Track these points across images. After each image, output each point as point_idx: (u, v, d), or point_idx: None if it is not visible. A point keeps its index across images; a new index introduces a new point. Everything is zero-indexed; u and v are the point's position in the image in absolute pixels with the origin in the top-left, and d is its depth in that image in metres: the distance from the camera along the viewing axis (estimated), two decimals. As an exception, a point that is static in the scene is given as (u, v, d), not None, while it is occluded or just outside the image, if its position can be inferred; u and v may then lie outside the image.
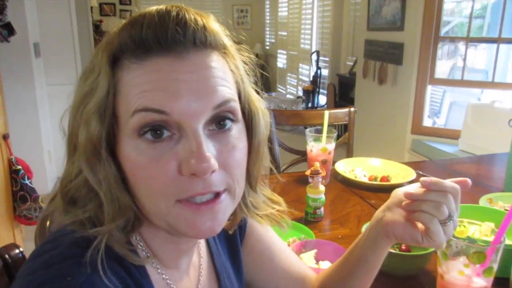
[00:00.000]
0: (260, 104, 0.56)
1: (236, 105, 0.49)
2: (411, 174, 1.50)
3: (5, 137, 2.24)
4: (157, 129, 0.45)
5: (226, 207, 0.49)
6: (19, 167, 2.30)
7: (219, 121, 0.47)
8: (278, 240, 0.76)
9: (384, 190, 1.45)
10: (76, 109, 0.48)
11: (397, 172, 1.54)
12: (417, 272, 0.97)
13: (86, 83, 0.48)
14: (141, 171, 0.46)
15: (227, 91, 0.47)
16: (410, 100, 3.34)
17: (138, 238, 0.53)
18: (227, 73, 0.49)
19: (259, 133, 0.55)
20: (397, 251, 0.98)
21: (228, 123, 0.48)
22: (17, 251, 0.78)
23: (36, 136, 3.26)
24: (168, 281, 0.56)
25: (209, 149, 0.45)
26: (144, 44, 0.45)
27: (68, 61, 3.81)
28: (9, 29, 3.07)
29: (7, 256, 0.77)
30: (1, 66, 2.35)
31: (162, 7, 0.46)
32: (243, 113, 0.52)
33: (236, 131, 0.49)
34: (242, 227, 0.71)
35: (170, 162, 0.45)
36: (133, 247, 0.51)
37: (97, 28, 7.07)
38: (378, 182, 1.48)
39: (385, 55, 3.59)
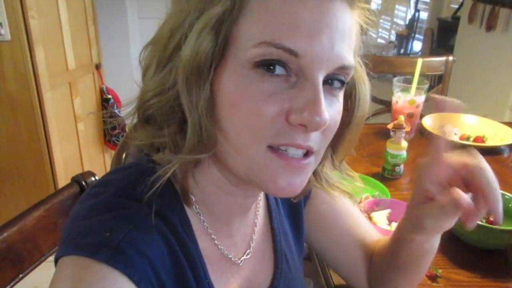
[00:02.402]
0: (364, 75, 0.52)
1: (351, 73, 0.45)
2: (510, 135, 1.33)
3: (98, 67, 2.37)
4: (277, 66, 0.41)
5: (310, 169, 0.46)
6: (110, 96, 2.44)
7: (332, 80, 0.44)
8: (346, 204, 0.70)
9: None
10: (186, 14, 0.42)
11: (494, 132, 1.37)
12: (504, 247, 0.87)
13: None
14: (246, 103, 0.41)
15: (351, 56, 0.44)
16: (522, 50, 2.93)
17: (194, 181, 0.50)
18: (354, 37, 0.45)
19: (363, 106, 0.52)
20: (483, 223, 0.88)
21: (338, 85, 0.45)
22: (92, 178, 0.82)
23: (127, 67, 3.41)
24: (216, 241, 0.53)
25: (325, 104, 0.41)
26: None
27: (159, -5, 3.86)
28: (105, -40, 3.15)
29: (83, 182, 0.81)
30: (96, -1, 2.43)
31: None
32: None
33: (341, 96, 0.47)
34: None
35: (281, 103, 0.41)
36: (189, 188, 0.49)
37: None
38: (470, 143, 1.33)
39: (500, -3, 3.14)
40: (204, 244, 0.51)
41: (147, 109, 0.45)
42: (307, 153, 0.44)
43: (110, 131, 2.52)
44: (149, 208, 0.45)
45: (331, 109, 0.44)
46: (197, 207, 0.51)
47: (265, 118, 0.41)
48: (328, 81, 0.44)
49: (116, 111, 2.43)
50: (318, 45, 0.40)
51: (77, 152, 2.24)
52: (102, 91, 2.43)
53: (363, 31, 0.49)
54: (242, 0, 0.41)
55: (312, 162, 0.45)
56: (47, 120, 1.88)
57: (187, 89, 0.42)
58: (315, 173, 0.55)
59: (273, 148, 0.43)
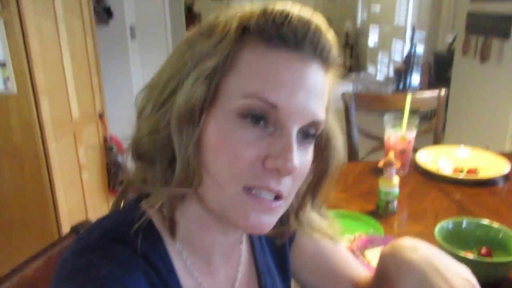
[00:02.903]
0: (337, 129, 0.58)
1: (321, 127, 0.51)
2: (505, 166, 1.34)
3: (101, 116, 2.44)
4: (258, 117, 0.46)
5: (280, 212, 0.51)
6: (113, 144, 2.50)
7: (304, 133, 0.49)
8: (331, 243, 0.72)
9: (470, 184, 1.31)
10: (182, 64, 0.48)
11: (488, 164, 1.39)
12: (499, 280, 0.87)
13: (204, 43, 0.48)
14: (228, 147, 0.46)
15: (323, 112, 0.50)
16: (517, 79, 2.97)
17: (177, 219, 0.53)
18: (326, 96, 0.51)
19: (338, 156, 0.57)
20: (476, 256, 0.88)
21: (309, 138, 0.50)
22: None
23: (130, 114, 3.49)
24: (198, 280, 0.55)
25: (296, 153, 0.47)
26: (283, 36, 0.46)
27: (161, 43, 4.01)
28: (108, 13, 3.31)
29: (81, 231, 0.83)
30: (100, 48, 2.53)
31: (305, 11, 0.48)
32: (320, 134, 0.54)
33: (311, 149, 0.52)
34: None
35: (259, 150, 0.46)
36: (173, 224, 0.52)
37: (189, 11, 7.32)
38: (463, 176, 1.35)
39: (490, 29, 3.22)
40: (187, 283, 0.54)
41: (141, 147, 0.51)
42: (277, 197, 0.49)
43: (114, 179, 2.56)
44: (132, 249, 0.49)
45: (302, 158, 0.49)
46: (180, 245, 0.54)
47: (244, 162, 0.46)
48: (301, 134, 0.49)
49: (120, 159, 2.48)
50: (295, 100, 0.46)
51: (81, 201, 2.27)
52: (106, 140, 2.49)
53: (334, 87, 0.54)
54: (232, 57, 0.47)
55: (281, 205, 0.50)
56: (52, 170, 1.93)
57: (178, 130, 0.47)
58: (297, 218, 0.60)
59: (248, 189, 0.47)
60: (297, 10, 0.47)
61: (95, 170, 2.41)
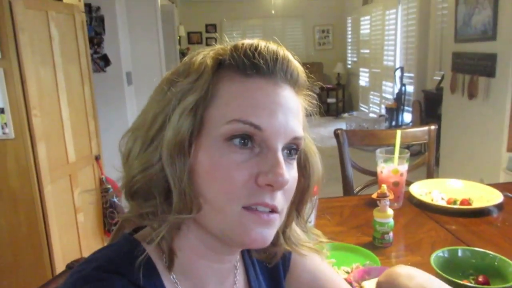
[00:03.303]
0: (313, 147, 0.62)
1: (302, 143, 0.55)
2: (497, 196, 1.36)
3: (97, 158, 2.46)
4: (244, 139, 0.50)
5: (276, 224, 0.53)
6: (109, 186, 2.50)
7: (286, 150, 0.53)
8: (326, 269, 0.72)
9: (464, 214, 1.32)
10: (166, 102, 0.51)
11: (480, 194, 1.40)
12: (498, 308, 0.86)
13: (184, 81, 0.51)
14: (220, 172, 0.49)
15: (301, 129, 0.54)
16: (505, 114, 3.04)
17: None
18: (301, 115, 0.56)
19: (317, 172, 0.61)
20: (473, 284, 0.88)
21: (292, 154, 0.54)
22: (85, 264, 0.84)
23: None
24: None
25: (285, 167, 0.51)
26: (256, 65, 0.51)
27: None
28: (105, 60, 3.41)
29: (74, 268, 0.83)
30: (97, 93, 2.59)
31: (272, 44, 0.53)
32: (299, 153, 0.57)
33: (295, 165, 0.55)
34: (286, 258, 0.70)
35: (250, 169, 0.49)
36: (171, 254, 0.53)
37: (184, 56, 7.50)
38: (457, 206, 1.36)
39: (476, 67, 3.34)
40: None
41: (134, 185, 0.52)
42: (272, 211, 0.51)
43: (109, 220, 2.54)
44: (128, 280, 0.49)
45: (289, 174, 0.52)
46: (174, 276, 0.54)
47: (237, 182, 0.49)
48: (284, 151, 0.53)
49: (115, 199, 2.48)
50: (276, 121, 0.51)
51: (76, 244, 2.25)
52: (101, 181, 2.49)
53: (308, 112, 0.59)
54: (212, 90, 0.51)
55: (277, 218, 0.52)
56: (47, 212, 1.92)
57: (171, 162, 0.50)
58: (284, 236, 0.62)
59: (246, 208, 0.50)
60: (264, 43, 0.53)
61: (90, 212, 2.39)
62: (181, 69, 0.54)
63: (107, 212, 2.51)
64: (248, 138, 0.50)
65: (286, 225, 0.61)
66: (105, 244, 2.08)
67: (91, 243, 2.40)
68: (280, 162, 0.50)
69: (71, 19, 2.25)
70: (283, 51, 0.54)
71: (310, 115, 0.60)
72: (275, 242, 0.60)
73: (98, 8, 3.29)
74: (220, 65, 0.52)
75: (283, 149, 0.52)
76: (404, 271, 0.60)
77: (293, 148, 0.54)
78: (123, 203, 2.59)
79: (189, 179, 0.50)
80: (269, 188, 0.49)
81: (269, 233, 0.52)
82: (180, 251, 0.54)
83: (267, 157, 0.50)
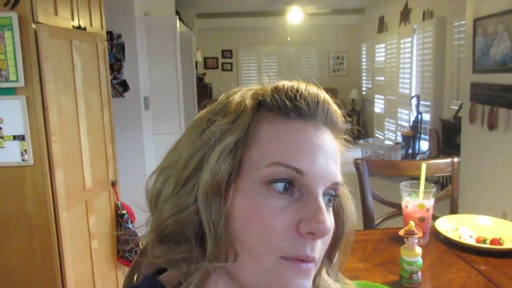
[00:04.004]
0: (348, 193, 0.59)
1: (340, 188, 0.53)
2: (529, 236, 1.30)
3: (113, 184, 2.45)
4: (286, 182, 0.47)
5: (313, 274, 0.50)
6: (124, 211, 2.48)
7: (325, 195, 0.50)
8: None
9: (495, 255, 1.26)
10: (203, 141, 0.49)
11: (511, 233, 1.35)
12: None
13: (221, 121, 0.50)
14: (259, 217, 0.46)
15: (340, 174, 0.52)
16: (527, 147, 2.97)
17: None
18: (338, 158, 0.54)
19: (351, 219, 0.58)
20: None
21: (331, 201, 0.52)
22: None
23: (142, 182, 3.51)
24: None
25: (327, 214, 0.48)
26: (297, 107, 0.50)
27: (173, 112, 4.13)
28: (124, 86, 3.45)
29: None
30: (114, 118, 2.61)
31: (312, 87, 0.53)
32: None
33: (331, 211, 0.53)
34: None
35: (291, 216, 0.47)
36: None
37: (201, 81, 7.62)
38: (487, 245, 1.30)
39: (495, 98, 3.29)
40: None
41: (165, 228, 0.49)
42: (310, 264, 0.48)
43: (123, 247, 2.51)
44: None
45: (330, 220, 0.50)
46: None
47: (277, 230, 0.46)
48: (325, 197, 0.50)
49: (131, 226, 2.45)
50: (317, 164, 0.48)
51: (89, 271, 2.21)
52: (117, 207, 2.48)
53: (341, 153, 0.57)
54: (252, 131, 0.49)
55: (313, 267, 0.49)
56: (62, 239, 1.90)
57: (206, 205, 0.47)
58: (314, 285, 0.57)
59: (286, 258, 0.47)
60: (304, 86, 0.52)
61: (104, 239, 2.37)
62: (218, 108, 0.52)
63: (120, 239, 2.48)
64: (289, 181, 0.47)
65: (316, 273, 0.57)
66: (118, 271, 2.04)
67: (104, 269, 2.36)
68: (322, 209, 0.47)
69: (93, 48, 2.29)
70: (323, 94, 0.53)
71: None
72: None
73: (119, 36, 3.36)
74: (260, 105, 0.51)
75: (323, 195, 0.49)
76: None
77: (332, 194, 0.51)
78: (138, 231, 2.57)
79: (225, 224, 0.47)
80: (310, 236, 0.47)
81: (307, 284, 0.49)
82: None
83: (308, 203, 0.47)
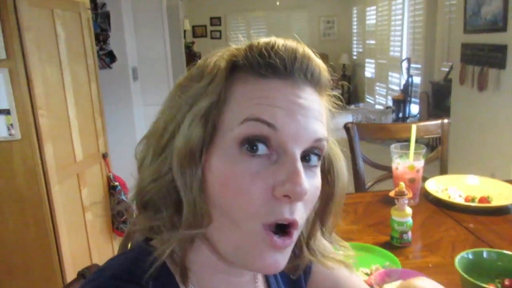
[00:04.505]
0: (339, 152, 0.57)
1: (325, 146, 0.50)
2: (517, 194, 1.32)
3: (105, 156, 2.44)
4: (258, 144, 0.46)
5: (292, 244, 0.49)
6: (117, 183, 2.48)
7: (307, 156, 0.48)
8: (350, 277, 0.69)
9: (483, 212, 1.29)
10: (177, 109, 0.48)
11: (499, 191, 1.37)
12: (525, 312, 0.83)
13: (196, 86, 0.48)
14: (234, 183, 0.45)
15: (325, 130, 0.50)
16: (516, 107, 2.99)
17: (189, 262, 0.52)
18: (323, 114, 0.51)
19: (342, 179, 0.56)
20: (499, 287, 0.85)
21: (315, 160, 0.49)
22: (98, 271, 0.82)
23: (133, 154, 3.50)
24: None
25: (304, 176, 0.46)
26: (272, 65, 0.47)
27: (162, 83, 4.07)
28: (111, 57, 3.37)
29: (88, 275, 0.81)
30: (102, 91, 2.56)
31: (290, 42, 0.49)
32: (323, 157, 0.53)
33: (318, 172, 0.51)
34: (307, 266, 0.66)
35: (266, 179, 0.45)
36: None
37: (189, 50, 7.47)
38: (476, 204, 1.32)
39: (486, 59, 3.28)
40: None
41: (145, 195, 0.50)
42: (291, 229, 0.47)
43: (117, 218, 2.53)
44: None
45: (310, 182, 0.48)
46: (192, 287, 0.52)
47: (253, 196, 0.45)
48: (306, 158, 0.48)
49: (124, 197, 2.46)
50: (293, 121, 0.46)
51: (85, 243, 2.23)
52: (109, 179, 2.47)
53: (332, 114, 0.55)
54: (225, 94, 0.47)
55: (294, 239, 0.48)
56: (55, 212, 1.90)
57: (181, 172, 0.46)
58: (308, 247, 0.58)
59: (267, 227, 0.46)
60: (282, 41, 0.49)
61: (98, 211, 2.38)
62: (194, 73, 0.51)
63: (115, 210, 2.49)
64: (262, 142, 0.45)
65: (309, 236, 0.57)
66: (114, 242, 2.06)
67: (99, 242, 2.38)
68: (298, 170, 0.45)
69: (77, 17, 2.21)
70: (303, 49, 0.49)
71: (333, 115, 0.55)
72: (298, 254, 0.57)
73: (104, 4, 3.25)
74: (234, 67, 0.48)
75: (304, 155, 0.48)
76: (420, 285, 0.55)
77: (316, 153, 0.49)
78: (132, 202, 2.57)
79: (200, 190, 0.47)
80: (287, 199, 0.45)
81: (284, 259, 0.48)
82: (195, 265, 0.52)
83: (285, 164, 0.45)
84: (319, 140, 0.48)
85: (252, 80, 0.47)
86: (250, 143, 0.45)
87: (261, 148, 0.46)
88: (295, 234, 0.48)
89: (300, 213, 0.48)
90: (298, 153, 0.46)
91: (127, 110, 3.52)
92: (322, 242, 0.59)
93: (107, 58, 3.35)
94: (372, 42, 7.51)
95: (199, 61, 0.53)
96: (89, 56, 2.33)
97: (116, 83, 3.42)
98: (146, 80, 3.91)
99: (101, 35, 3.25)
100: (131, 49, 3.61)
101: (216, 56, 0.50)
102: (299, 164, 0.46)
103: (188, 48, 7.42)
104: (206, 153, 0.47)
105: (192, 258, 0.52)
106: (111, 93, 3.32)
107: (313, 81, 0.49)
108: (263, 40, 0.49)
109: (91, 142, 2.34)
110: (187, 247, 0.51)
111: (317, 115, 0.49)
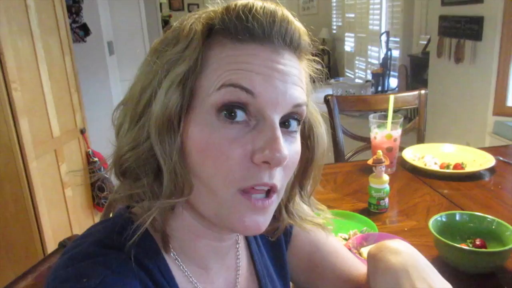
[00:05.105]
0: (319, 117, 0.57)
1: (304, 111, 0.50)
2: (490, 160, 1.37)
3: (82, 132, 2.40)
4: (236, 111, 0.45)
5: (273, 208, 0.50)
6: (96, 159, 2.45)
7: (286, 121, 0.48)
8: (329, 241, 0.71)
9: (457, 178, 1.33)
10: (153, 75, 0.47)
11: (473, 158, 1.41)
12: (494, 270, 0.88)
13: (172, 50, 0.47)
14: (212, 149, 0.45)
15: (304, 96, 0.49)
16: (491, 78, 3.05)
17: (170, 228, 0.52)
18: (303, 79, 0.50)
19: (322, 144, 0.57)
20: (470, 247, 0.89)
21: (294, 126, 0.49)
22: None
23: (112, 130, 3.45)
24: (194, 282, 0.54)
25: (283, 142, 0.46)
26: (249, 29, 0.46)
27: (139, 57, 3.95)
28: (85, 30, 3.27)
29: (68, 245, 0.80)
30: (78, 65, 2.49)
31: (269, 4, 0.48)
32: (303, 122, 0.53)
33: (298, 137, 0.51)
34: (287, 231, 0.68)
35: (244, 146, 0.45)
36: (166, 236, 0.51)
37: (166, 23, 7.31)
38: (450, 170, 1.36)
39: (462, 31, 3.32)
40: None
41: (124, 163, 0.49)
42: (270, 193, 0.48)
43: (98, 194, 2.51)
44: (126, 256, 0.46)
45: (290, 148, 0.48)
46: (175, 254, 0.52)
47: (231, 161, 0.45)
48: (285, 124, 0.48)
49: (102, 171, 2.44)
50: (271, 87, 0.45)
51: (66, 219, 2.21)
52: (88, 155, 2.44)
53: (312, 79, 0.54)
54: (202, 59, 0.46)
55: (274, 201, 0.49)
56: (34, 189, 1.87)
57: (159, 140, 0.46)
58: (287, 210, 0.59)
59: (242, 191, 0.46)
60: (260, 3, 0.47)
61: (78, 187, 2.35)
62: (169, 37, 0.49)
63: (95, 185, 2.47)
64: (240, 108, 0.45)
65: (288, 199, 0.58)
66: (95, 218, 2.04)
67: (80, 217, 2.37)
68: (277, 137, 0.45)
69: (47, -13, 2.13)
70: (281, 12, 0.47)
71: (314, 81, 0.55)
72: (277, 217, 0.58)
73: (75, -26, 3.13)
74: (211, 30, 0.47)
75: (284, 121, 0.48)
76: (393, 246, 0.55)
77: (295, 118, 0.49)
78: (112, 177, 2.55)
79: (179, 158, 0.46)
80: (266, 165, 0.45)
81: (264, 220, 0.48)
82: (177, 231, 0.52)
83: (263, 130, 0.45)
84: (298, 105, 0.48)
85: (229, 44, 0.46)
86: (228, 110, 0.45)
87: (239, 115, 0.45)
88: (274, 196, 0.48)
89: (280, 177, 0.48)
90: (277, 119, 0.46)
91: (104, 85, 3.44)
92: (300, 206, 0.60)
93: (80, 31, 3.25)
94: (352, 15, 7.48)
95: (174, 24, 0.51)
96: (62, 28, 2.26)
97: (91, 58, 3.33)
98: (123, 55, 3.82)
99: (73, 7, 3.14)
100: (106, 22, 3.51)
101: (192, 18, 0.49)
102: (278, 131, 0.45)
103: (165, 21, 7.25)
104: (184, 120, 0.46)
105: (173, 225, 0.52)
106: (87, 68, 3.24)
107: (292, 45, 0.48)
108: (240, 2, 0.48)
109: (68, 117, 2.29)
110: (168, 214, 0.51)
111: (296, 80, 0.48)
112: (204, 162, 0.46)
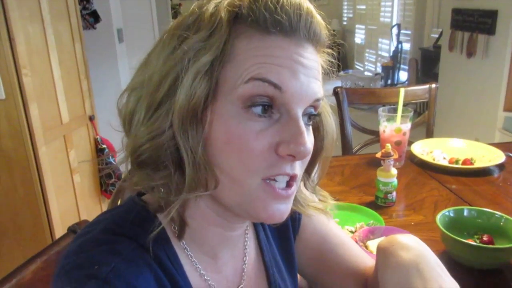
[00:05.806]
0: (328, 108, 0.58)
1: (321, 104, 0.51)
2: (499, 156, 1.35)
3: (91, 119, 2.41)
4: (262, 104, 0.45)
5: (293, 196, 0.51)
6: (104, 146, 2.46)
7: (305, 114, 0.49)
8: (336, 233, 0.71)
9: (466, 174, 1.32)
10: (174, 62, 0.45)
11: (482, 154, 1.40)
12: (501, 266, 0.87)
13: (195, 37, 0.45)
14: (237, 141, 0.45)
15: (321, 89, 0.50)
16: (503, 73, 3.01)
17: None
18: (320, 73, 0.51)
19: (331, 134, 0.58)
20: (478, 243, 0.89)
21: (311, 119, 0.51)
22: (88, 227, 0.83)
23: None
24: (205, 277, 0.54)
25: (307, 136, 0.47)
26: (277, 21, 0.45)
27: (149, 45, 3.96)
28: (95, 17, 3.27)
29: (79, 231, 0.81)
30: (87, 52, 2.49)
31: None
32: None
33: (311, 128, 0.52)
34: (296, 220, 0.68)
35: (270, 138, 0.45)
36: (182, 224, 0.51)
37: (176, 12, 7.28)
38: (459, 166, 1.36)
39: (475, 24, 3.27)
40: (193, 280, 0.52)
41: (142, 154, 0.47)
42: (291, 181, 0.48)
43: (106, 181, 2.53)
44: (137, 243, 0.47)
45: (310, 140, 0.49)
46: (184, 242, 0.53)
47: (256, 153, 0.45)
48: (305, 116, 0.49)
49: (111, 160, 2.45)
50: (298, 82, 0.46)
51: (74, 204, 2.24)
52: (96, 142, 2.46)
53: (324, 71, 0.54)
54: (228, 48, 0.45)
55: (294, 189, 0.50)
56: (43, 174, 1.89)
57: (183, 130, 0.45)
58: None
59: (265, 180, 0.47)
60: None
61: (86, 173, 2.38)
62: (189, 21, 0.47)
63: (103, 172, 2.49)
64: (267, 102, 0.45)
65: None
66: (103, 204, 2.06)
67: (88, 203, 2.39)
68: (303, 131, 0.46)
69: (57, -28, 2.13)
70: (306, 5, 0.47)
71: (327, 74, 0.55)
72: None
73: (86, -39, 3.12)
74: (236, 18, 0.46)
75: (303, 114, 0.48)
76: (404, 241, 0.55)
77: (312, 112, 0.50)
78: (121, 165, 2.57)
79: (203, 150, 0.45)
80: (290, 158, 0.46)
81: (286, 208, 0.49)
82: (191, 219, 0.52)
83: (288, 124, 0.46)
84: (317, 100, 0.49)
85: (257, 35, 0.45)
86: (254, 102, 0.45)
87: (265, 108, 0.45)
88: (295, 185, 0.50)
89: (299, 167, 0.49)
90: (300, 113, 0.47)
91: (113, 72, 3.45)
92: (303, 192, 0.61)
93: (90, 18, 3.25)
94: (363, 7, 7.40)
95: (193, 5, 0.49)
96: (72, 14, 2.26)
97: (101, 45, 3.34)
98: (132, 43, 3.81)
99: (84, -6, 3.14)
100: (116, 9, 3.50)
101: (212, 3, 0.47)
102: (302, 125, 0.46)
103: (174, 10, 7.22)
104: (210, 111, 0.46)
105: (187, 213, 0.52)
106: (96, 55, 3.24)
107: (315, 39, 0.49)
108: None
109: (77, 104, 2.30)
110: (187, 204, 0.51)
111: (316, 74, 0.48)
112: (228, 153, 0.45)
